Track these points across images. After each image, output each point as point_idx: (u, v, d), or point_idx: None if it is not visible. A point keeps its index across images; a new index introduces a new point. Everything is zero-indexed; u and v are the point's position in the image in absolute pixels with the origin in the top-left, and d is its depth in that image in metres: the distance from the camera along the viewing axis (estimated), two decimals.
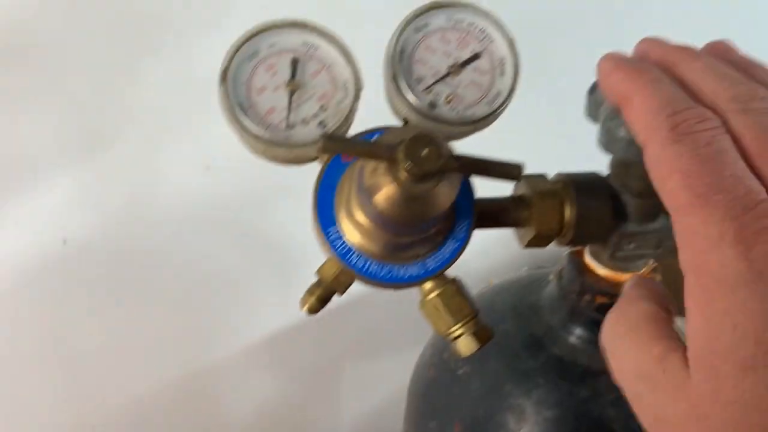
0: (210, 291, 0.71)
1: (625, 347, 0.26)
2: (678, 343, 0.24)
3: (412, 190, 0.26)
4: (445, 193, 0.27)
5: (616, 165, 0.33)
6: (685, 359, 0.23)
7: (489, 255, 0.75)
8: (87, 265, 0.66)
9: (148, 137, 0.65)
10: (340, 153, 0.25)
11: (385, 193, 0.26)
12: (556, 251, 0.38)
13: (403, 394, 0.57)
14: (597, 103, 0.31)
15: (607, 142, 0.30)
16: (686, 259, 0.22)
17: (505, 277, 0.55)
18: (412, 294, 0.34)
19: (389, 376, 0.72)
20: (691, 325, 0.22)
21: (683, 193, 0.22)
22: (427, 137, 0.25)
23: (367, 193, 0.27)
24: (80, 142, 0.64)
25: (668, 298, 0.28)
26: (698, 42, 0.30)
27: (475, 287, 0.59)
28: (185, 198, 0.66)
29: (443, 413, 0.49)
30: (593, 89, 0.31)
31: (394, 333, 0.76)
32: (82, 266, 0.66)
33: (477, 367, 0.46)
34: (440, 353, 0.50)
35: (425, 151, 0.25)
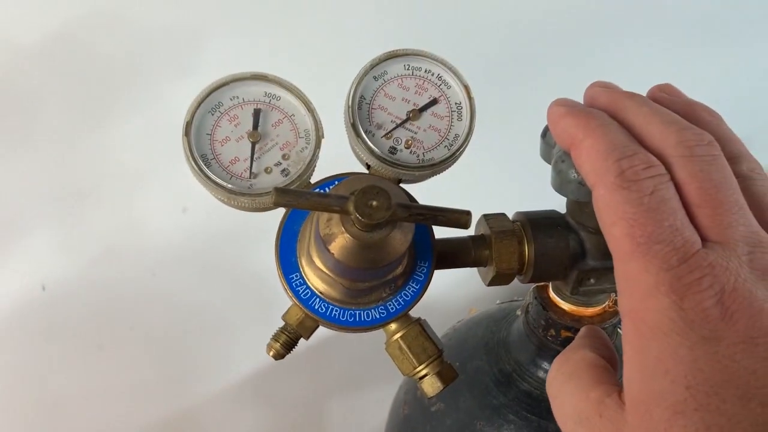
0: (191, 330, 0.71)
1: (566, 392, 0.26)
2: (615, 387, 0.25)
3: (365, 239, 0.27)
4: (398, 240, 0.27)
5: (570, 204, 0.34)
6: (621, 402, 0.24)
7: (470, 284, 0.76)
8: (66, 310, 0.66)
9: (124, 182, 0.66)
10: (293, 206, 0.26)
11: (340, 242, 0.27)
12: None
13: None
14: (549, 146, 0.32)
15: (559, 183, 0.31)
16: (625, 304, 0.23)
17: (484, 307, 0.56)
18: None
19: (375, 410, 0.72)
20: (628, 368, 0.23)
21: (626, 241, 0.23)
22: (376, 188, 0.26)
23: (323, 242, 0.28)
24: (58, 188, 0.65)
25: (611, 348, 0.29)
26: (648, 87, 0.30)
27: (456, 316, 0.59)
28: (164, 241, 0.67)
29: None
30: (545, 133, 0.32)
31: (380, 367, 0.76)
32: (61, 312, 0.66)
33: (450, 403, 0.47)
34: (414, 391, 0.50)
35: (374, 202, 0.26)
